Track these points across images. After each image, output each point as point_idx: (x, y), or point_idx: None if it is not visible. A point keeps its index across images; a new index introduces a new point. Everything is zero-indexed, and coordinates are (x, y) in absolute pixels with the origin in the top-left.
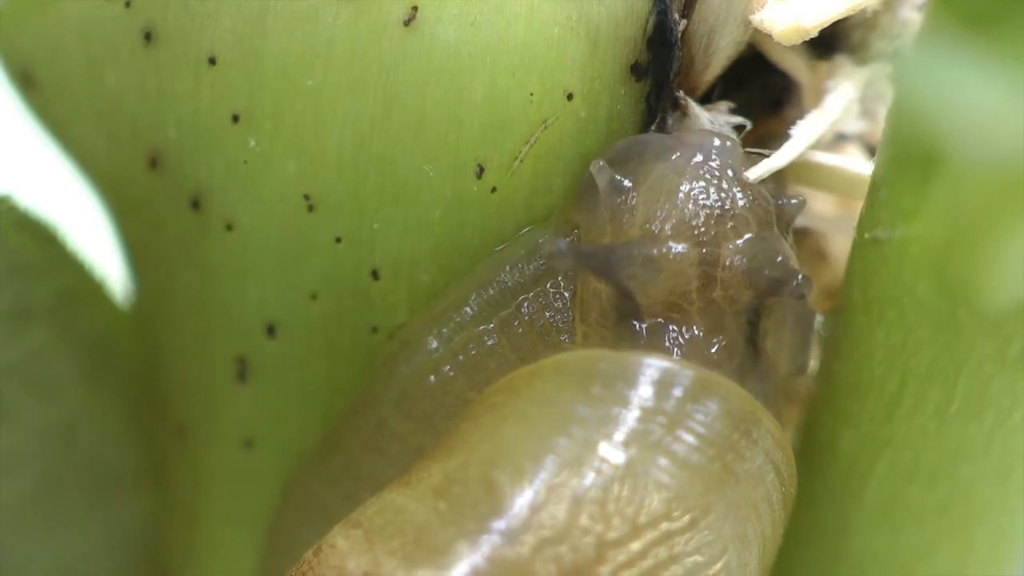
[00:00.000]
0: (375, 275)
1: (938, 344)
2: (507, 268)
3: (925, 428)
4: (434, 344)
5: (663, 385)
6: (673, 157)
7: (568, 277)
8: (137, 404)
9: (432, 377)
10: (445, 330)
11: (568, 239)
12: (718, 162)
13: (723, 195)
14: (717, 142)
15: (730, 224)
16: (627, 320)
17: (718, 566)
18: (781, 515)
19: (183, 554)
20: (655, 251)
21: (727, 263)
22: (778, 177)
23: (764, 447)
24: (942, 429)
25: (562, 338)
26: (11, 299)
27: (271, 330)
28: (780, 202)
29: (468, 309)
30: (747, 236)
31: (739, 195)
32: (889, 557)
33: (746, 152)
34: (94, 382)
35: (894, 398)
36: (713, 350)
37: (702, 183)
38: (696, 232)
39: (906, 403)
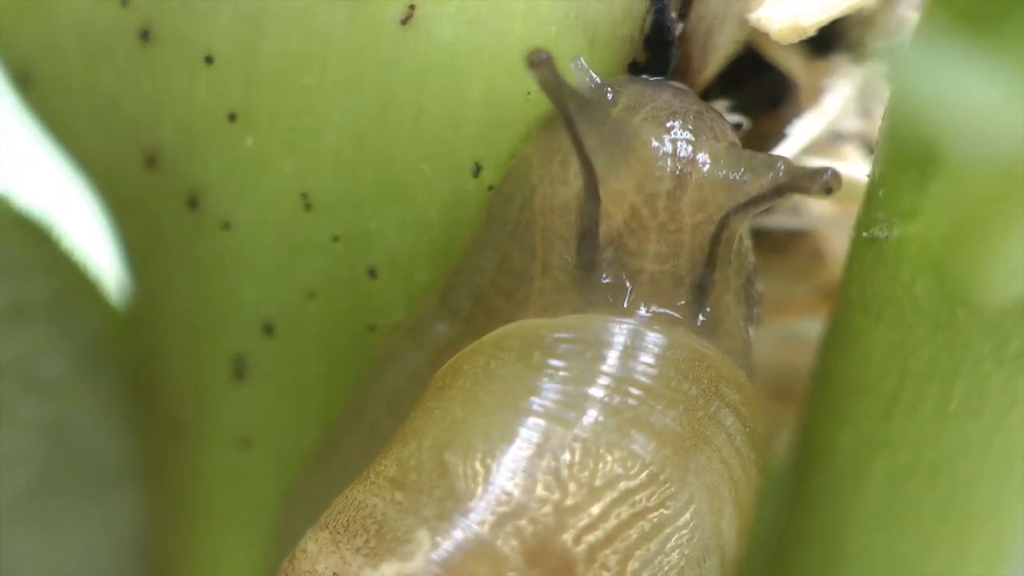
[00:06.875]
0: (372, 274)
1: (936, 343)
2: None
3: (923, 427)
4: (418, 351)
5: (604, 344)
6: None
7: (531, 227)
8: (134, 403)
9: (419, 383)
10: (425, 338)
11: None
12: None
13: (696, 123)
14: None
15: (710, 133)
16: (585, 247)
17: (687, 515)
18: (751, 456)
19: (180, 552)
20: (630, 123)
21: (704, 164)
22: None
23: (718, 391)
24: (940, 428)
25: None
26: (8, 297)
27: (268, 329)
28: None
29: (442, 312)
30: (728, 144)
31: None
32: (887, 557)
33: None
34: (91, 380)
35: (892, 397)
36: (661, 286)
37: (679, 113)
38: (673, 130)
39: (904, 402)
